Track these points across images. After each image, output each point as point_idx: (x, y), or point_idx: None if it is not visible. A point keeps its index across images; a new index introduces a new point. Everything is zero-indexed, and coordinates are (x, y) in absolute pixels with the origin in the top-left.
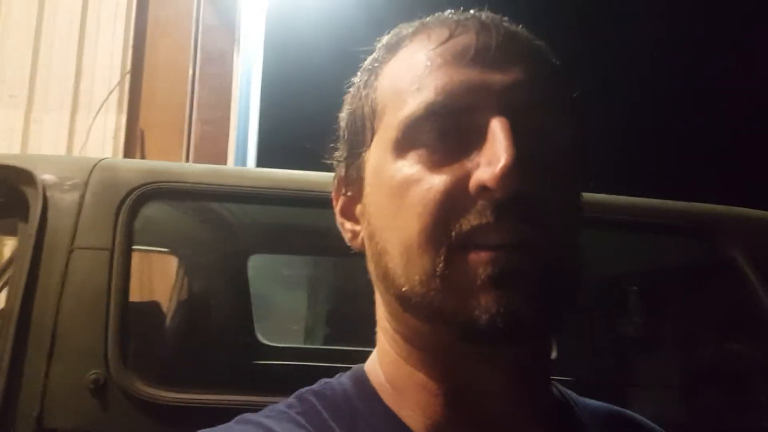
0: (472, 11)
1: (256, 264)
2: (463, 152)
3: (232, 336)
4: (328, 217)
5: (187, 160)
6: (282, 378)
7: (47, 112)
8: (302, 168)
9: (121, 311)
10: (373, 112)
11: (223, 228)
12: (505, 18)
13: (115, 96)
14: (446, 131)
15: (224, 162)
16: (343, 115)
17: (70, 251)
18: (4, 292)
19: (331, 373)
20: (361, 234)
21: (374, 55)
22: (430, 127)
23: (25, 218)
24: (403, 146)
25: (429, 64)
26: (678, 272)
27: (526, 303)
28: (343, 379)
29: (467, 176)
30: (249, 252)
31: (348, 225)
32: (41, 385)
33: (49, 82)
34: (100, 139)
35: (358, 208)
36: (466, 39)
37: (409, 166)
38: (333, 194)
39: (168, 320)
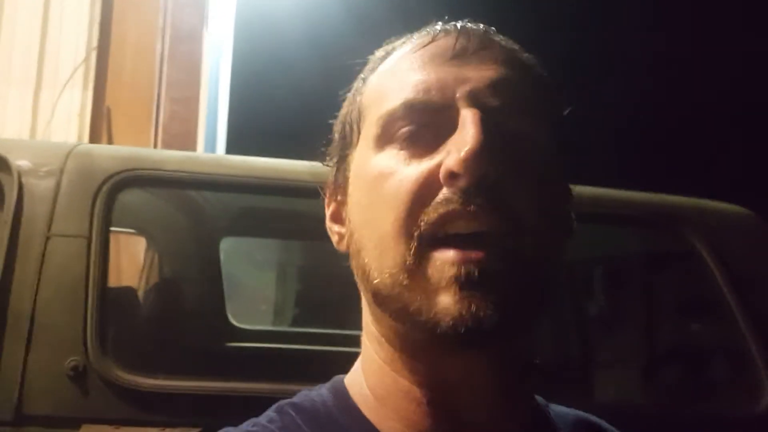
0: (459, 22)
1: (227, 247)
2: (436, 145)
3: (206, 319)
4: (297, 203)
5: (156, 139)
6: (255, 361)
7: (10, 89)
8: (272, 148)
9: (99, 298)
10: (359, 114)
11: (196, 212)
12: (492, 28)
13: (80, 73)
14: (421, 125)
15: (193, 141)
16: (336, 122)
17: (47, 238)
18: None
19: (303, 356)
20: (346, 235)
21: (367, 66)
22: (407, 121)
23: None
24: (382, 141)
25: (409, 65)
26: (643, 259)
27: (490, 306)
28: (322, 391)
29: (438, 167)
30: (220, 235)
31: (335, 228)
32: (20, 372)
33: (13, 58)
34: (66, 117)
35: (345, 211)
36: (446, 42)
37: (386, 160)
38: (326, 199)
39: (143, 305)
